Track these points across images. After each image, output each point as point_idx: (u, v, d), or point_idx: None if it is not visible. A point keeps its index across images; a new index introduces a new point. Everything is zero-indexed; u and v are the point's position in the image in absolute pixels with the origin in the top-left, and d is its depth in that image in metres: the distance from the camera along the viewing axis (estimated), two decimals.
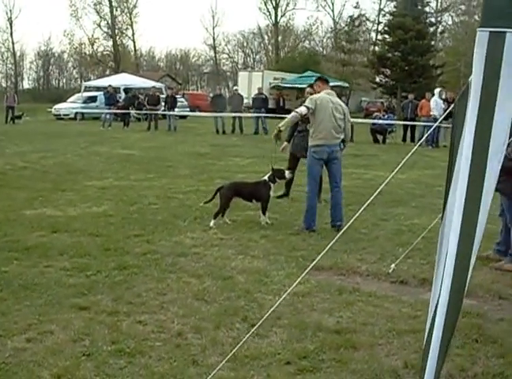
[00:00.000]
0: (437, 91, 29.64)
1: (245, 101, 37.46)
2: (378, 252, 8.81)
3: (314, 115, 10.00)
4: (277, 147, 10.68)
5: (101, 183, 14.63)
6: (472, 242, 3.34)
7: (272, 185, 10.52)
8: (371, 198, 4.68)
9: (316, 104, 9.94)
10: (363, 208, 4.65)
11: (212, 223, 10.32)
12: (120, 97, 40.67)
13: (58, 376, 4.82)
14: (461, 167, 3.34)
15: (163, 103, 36.51)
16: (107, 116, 37.01)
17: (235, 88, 40.57)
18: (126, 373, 4.96)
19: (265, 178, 10.62)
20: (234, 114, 33.82)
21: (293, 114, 10.09)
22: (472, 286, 7.06)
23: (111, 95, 38.30)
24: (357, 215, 4.69)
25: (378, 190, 4.70)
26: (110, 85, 39.73)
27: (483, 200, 3.31)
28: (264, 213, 10.53)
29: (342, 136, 10.35)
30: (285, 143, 12.55)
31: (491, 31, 3.15)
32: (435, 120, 23.56)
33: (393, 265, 7.95)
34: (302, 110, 9.91)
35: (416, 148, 4.73)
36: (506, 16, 3.14)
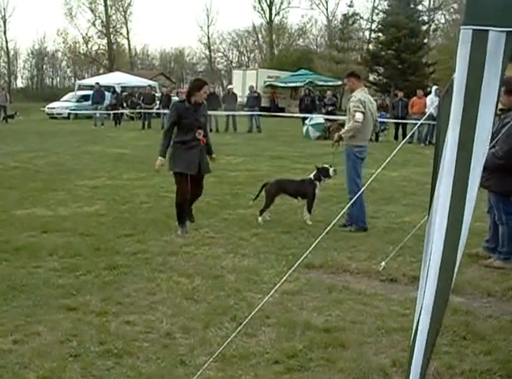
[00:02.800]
0: (434, 88, 29.62)
1: (239, 100, 37.45)
2: (368, 250, 8.81)
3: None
4: (335, 149, 10.52)
5: (93, 182, 14.60)
6: (458, 239, 3.33)
7: (317, 183, 10.50)
8: (357, 195, 4.69)
9: (365, 105, 10.02)
10: (348, 205, 4.65)
11: (260, 220, 10.49)
12: (113, 96, 40.51)
13: (43, 378, 4.81)
14: (445, 164, 3.33)
15: (157, 102, 36.54)
16: (97, 114, 37.00)
17: (229, 86, 40.55)
18: (113, 374, 4.95)
19: (311, 176, 10.61)
20: (227, 113, 33.81)
21: (355, 124, 9.97)
22: (461, 283, 7.11)
23: (97, 93, 38.27)
24: (343, 211, 4.69)
25: (364, 187, 4.72)
26: (97, 83, 39.79)
27: (468, 196, 3.31)
28: (309, 211, 10.52)
29: None
30: (160, 159, 9.68)
31: (473, 29, 3.14)
32: (432, 118, 23.54)
33: (383, 263, 7.94)
34: (360, 117, 9.91)
35: (401, 145, 4.71)
36: (488, 14, 3.13)
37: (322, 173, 10.46)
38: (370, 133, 10.38)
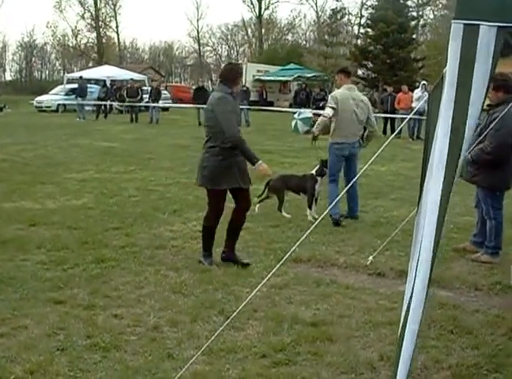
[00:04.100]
0: (421, 83, 29.69)
1: None
2: (356, 244, 8.82)
3: (335, 113, 10.02)
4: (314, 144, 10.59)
5: (81, 176, 14.55)
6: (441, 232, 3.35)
7: (319, 179, 10.45)
8: (345, 190, 4.70)
9: (338, 101, 9.98)
10: (336, 200, 4.65)
11: (285, 214, 10.46)
12: (103, 89, 40.31)
13: (30, 371, 4.78)
14: (435, 158, 3.33)
15: (145, 96, 36.48)
16: (84, 108, 36.96)
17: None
18: (100, 367, 4.93)
19: (313, 171, 10.58)
20: None
21: (322, 118, 10.10)
22: (448, 277, 7.15)
23: (81, 87, 38.22)
24: (331, 206, 4.69)
25: (352, 182, 4.71)
26: (81, 77, 39.75)
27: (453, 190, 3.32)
28: (310, 208, 10.43)
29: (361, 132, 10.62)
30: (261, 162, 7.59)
31: (465, 24, 3.14)
32: (418, 113, 23.60)
33: (370, 257, 7.96)
34: (328, 112, 9.95)
35: (389, 140, 4.71)
36: (480, 8, 3.14)
37: (326, 165, 10.38)
38: (350, 130, 10.20)
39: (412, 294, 3.49)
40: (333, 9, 72.88)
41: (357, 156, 10.48)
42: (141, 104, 35.79)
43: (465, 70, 3.17)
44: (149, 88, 39.14)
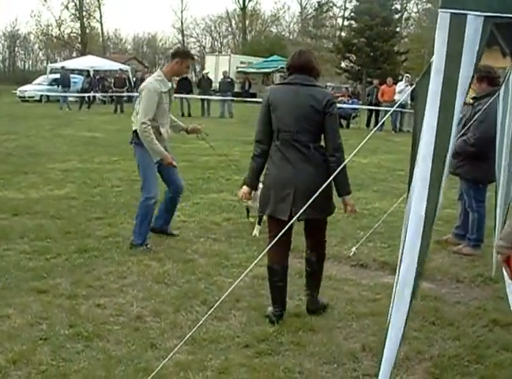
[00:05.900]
0: (405, 76, 29.79)
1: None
2: (338, 235, 8.82)
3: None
4: None
5: (64, 166, 14.47)
6: (433, 222, 3.36)
7: None
8: (327, 182, 4.71)
9: None
10: (318, 193, 4.66)
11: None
12: (86, 80, 40.12)
13: (13, 361, 4.77)
14: (422, 149, 3.34)
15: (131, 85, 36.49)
16: (66, 98, 36.82)
17: (204, 71, 40.76)
18: (82, 357, 4.92)
19: None
20: (201, 97, 34.03)
21: None
22: (430, 269, 7.18)
23: (64, 77, 38.08)
24: (313, 198, 4.69)
25: (334, 174, 4.72)
26: (63, 67, 39.48)
27: (443, 181, 3.33)
28: None
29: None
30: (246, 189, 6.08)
31: (452, 13, 3.13)
32: (400, 105, 23.74)
33: (353, 249, 7.99)
34: None
35: (372, 132, 4.73)
36: None
37: None
38: None
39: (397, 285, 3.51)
40: (319, 1, 72.98)
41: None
42: (124, 94, 35.69)
43: (452, 60, 3.15)
44: (134, 79, 39.17)
